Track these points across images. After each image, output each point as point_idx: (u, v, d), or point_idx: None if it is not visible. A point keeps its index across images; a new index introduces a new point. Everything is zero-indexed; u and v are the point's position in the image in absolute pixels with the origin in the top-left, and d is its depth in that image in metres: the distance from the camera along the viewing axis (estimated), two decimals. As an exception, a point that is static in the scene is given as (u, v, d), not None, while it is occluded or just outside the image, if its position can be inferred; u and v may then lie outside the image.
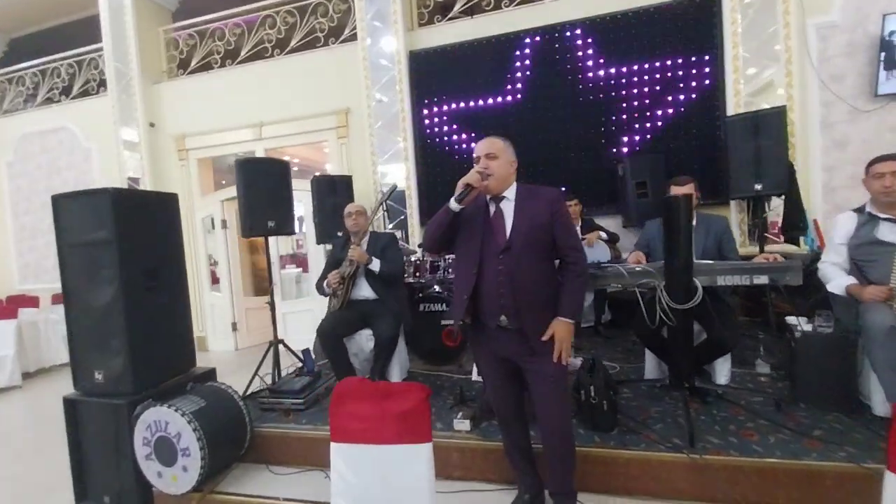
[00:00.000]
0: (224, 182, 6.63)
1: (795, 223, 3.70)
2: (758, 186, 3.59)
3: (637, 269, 2.27)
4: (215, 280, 6.11)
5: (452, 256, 3.65)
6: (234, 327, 5.91)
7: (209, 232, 5.98)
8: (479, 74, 4.77)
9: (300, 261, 7.99)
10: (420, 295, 3.53)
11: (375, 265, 2.88)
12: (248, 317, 5.97)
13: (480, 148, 1.77)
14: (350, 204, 3.19)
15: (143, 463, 2.32)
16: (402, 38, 4.91)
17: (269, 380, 3.41)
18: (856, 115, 3.99)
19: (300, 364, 3.80)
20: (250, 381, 3.42)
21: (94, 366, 2.46)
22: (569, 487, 1.83)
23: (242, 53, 5.78)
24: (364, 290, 3.00)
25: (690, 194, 2.34)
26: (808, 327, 2.42)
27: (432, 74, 4.93)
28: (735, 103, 4.10)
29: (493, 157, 1.74)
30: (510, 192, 1.78)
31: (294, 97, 5.43)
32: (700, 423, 2.20)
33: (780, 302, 3.60)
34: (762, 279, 2.08)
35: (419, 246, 3.93)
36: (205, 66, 5.97)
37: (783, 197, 3.75)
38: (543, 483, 1.97)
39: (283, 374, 3.48)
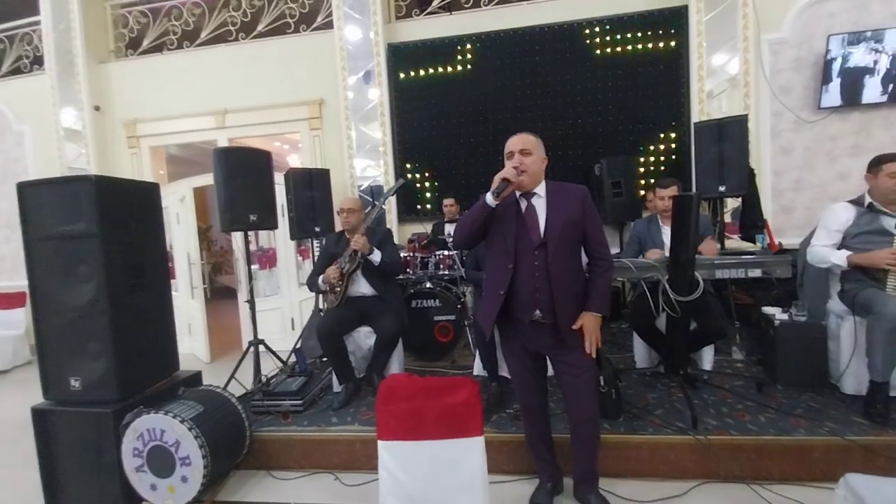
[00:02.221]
0: (161, 171, 6.07)
1: (754, 222, 4.03)
2: (721, 188, 3.87)
3: (643, 263, 2.39)
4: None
5: (442, 253, 3.66)
6: (190, 330, 5.49)
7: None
8: (454, 69, 4.78)
9: (258, 257, 7.59)
10: (411, 291, 3.49)
11: (376, 256, 2.80)
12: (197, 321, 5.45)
13: (514, 143, 1.78)
14: (343, 199, 3.06)
15: (134, 475, 2.13)
16: (381, 29, 4.81)
17: (248, 383, 3.25)
18: (800, 125, 4.40)
19: (281, 364, 3.66)
20: (226, 383, 3.23)
21: (68, 372, 2.23)
22: (594, 473, 1.90)
23: (203, 35, 5.40)
24: (362, 287, 2.92)
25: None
26: (783, 317, 2.66)
27: (411, 68, 4.87)
28: (699, 110, 4.40)
29: (528, 153, 1.76)
30: (541, 189, 1.81)
31: (262, 85, 5.16)
32: (696, 407, 2.36)
33: (739, 294, 3.93)
34: (756, 272, 2.27)
35: (409, 241, 3.88)
36: (159, 47, 5.53)
37: (740, 199, 4.08)
38: (562, 471, 2.04)
39: (259, 375, 3.31)
